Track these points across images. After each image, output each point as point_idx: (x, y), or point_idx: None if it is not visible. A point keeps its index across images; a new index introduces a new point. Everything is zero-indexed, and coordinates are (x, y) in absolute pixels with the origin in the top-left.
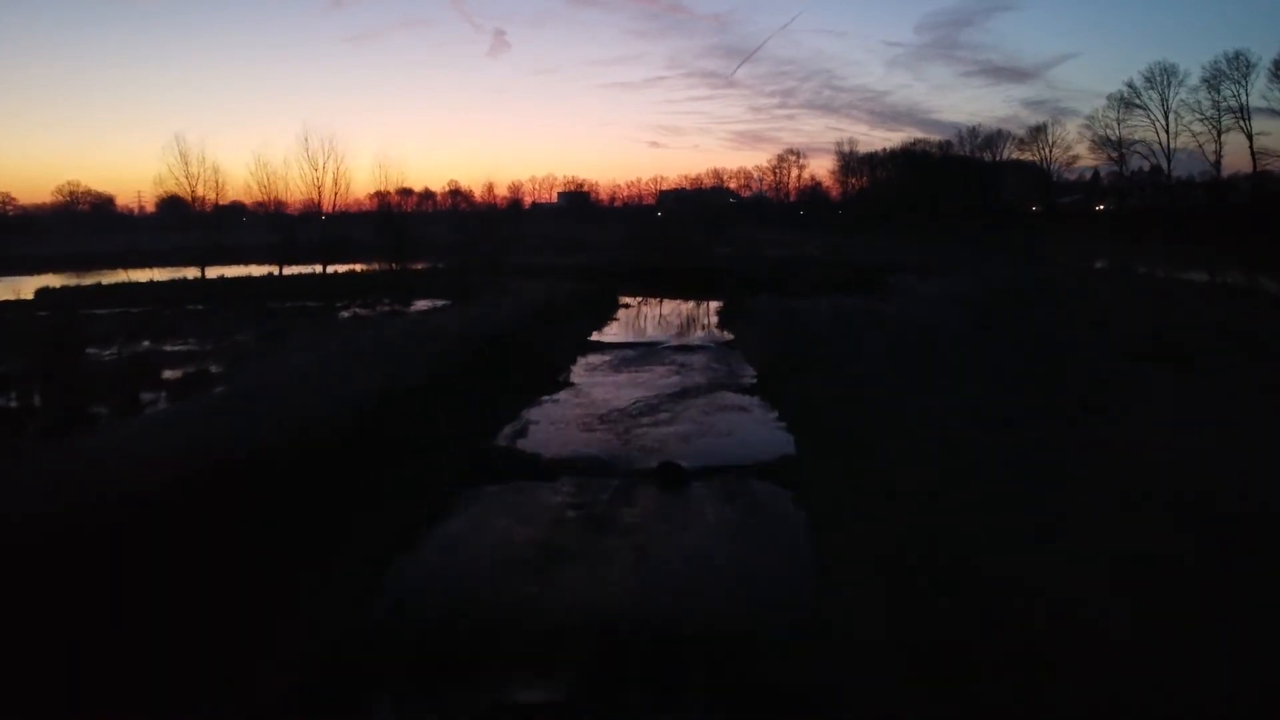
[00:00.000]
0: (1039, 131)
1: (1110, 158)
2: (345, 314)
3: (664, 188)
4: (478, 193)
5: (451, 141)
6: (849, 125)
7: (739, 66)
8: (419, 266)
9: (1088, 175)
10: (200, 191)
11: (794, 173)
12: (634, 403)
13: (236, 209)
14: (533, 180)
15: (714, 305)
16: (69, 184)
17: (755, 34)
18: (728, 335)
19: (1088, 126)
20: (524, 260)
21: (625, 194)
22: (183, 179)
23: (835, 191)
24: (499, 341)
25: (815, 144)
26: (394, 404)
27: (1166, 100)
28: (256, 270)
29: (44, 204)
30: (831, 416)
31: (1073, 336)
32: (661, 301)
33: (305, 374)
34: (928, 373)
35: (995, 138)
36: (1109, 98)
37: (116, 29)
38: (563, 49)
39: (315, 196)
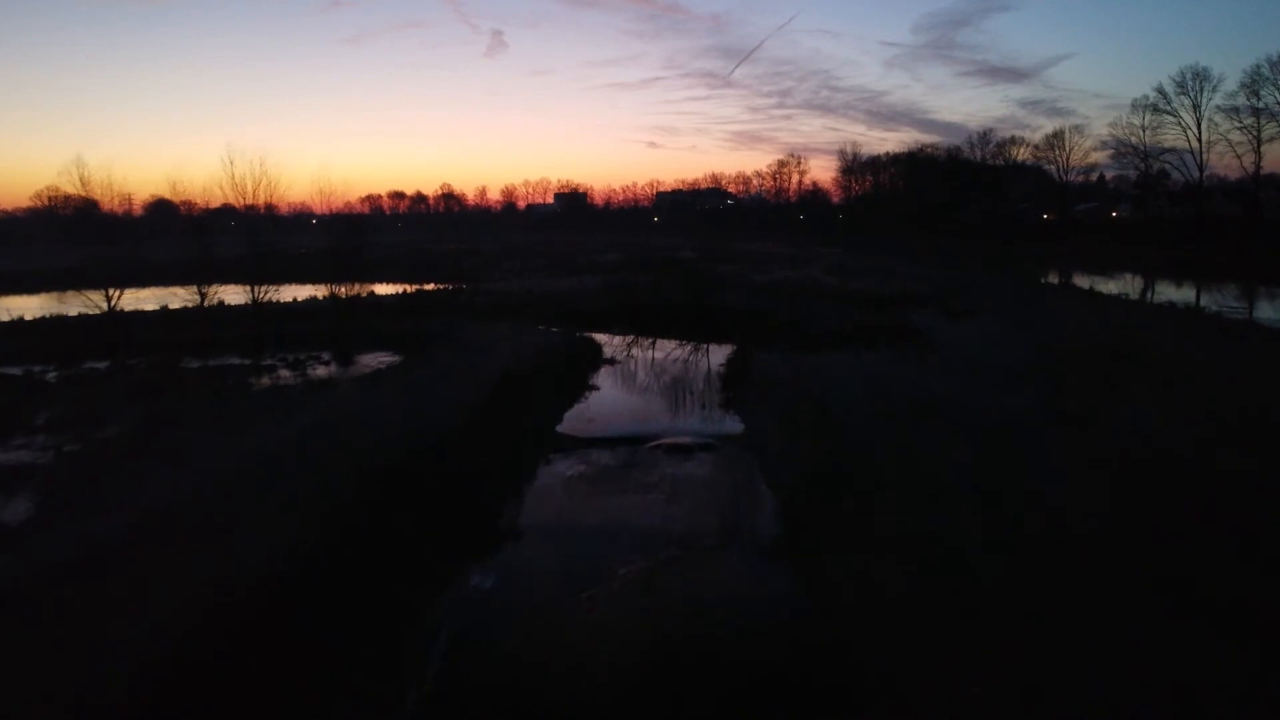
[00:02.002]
0: (1055, 138)
1: (1138, 169)
2: (265, 379)
3: (661, 189)
4: (471, 196)
5: (446, 142)
6: (846, 125)
7: (736, 67)
8: (381, 292)
9: (1094, 177)
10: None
11: (795, 178)
12: (598, 587)
13: (226, 212)
14: (526, 184)
15: (715, 358)
16: (48, 189)
17: (752, 34)
18: (735, 421)
19: (1109, 134)
20: (503, 286)
21: (621, 197)
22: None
23: (836, 194)
24: (432, 453)
25: (813, 144)
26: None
27: (1199, 106)
28: (181, 294)
29: (23, 208)
30: (929, 652)
31: (1208, 455)
32: (654, 346)
33: (123, 540)
34: (1045, 538)
35: (1008, 143)
36: (1133, 102)
37: (103, 31)
38: (559, 50)
39: (240, 200)
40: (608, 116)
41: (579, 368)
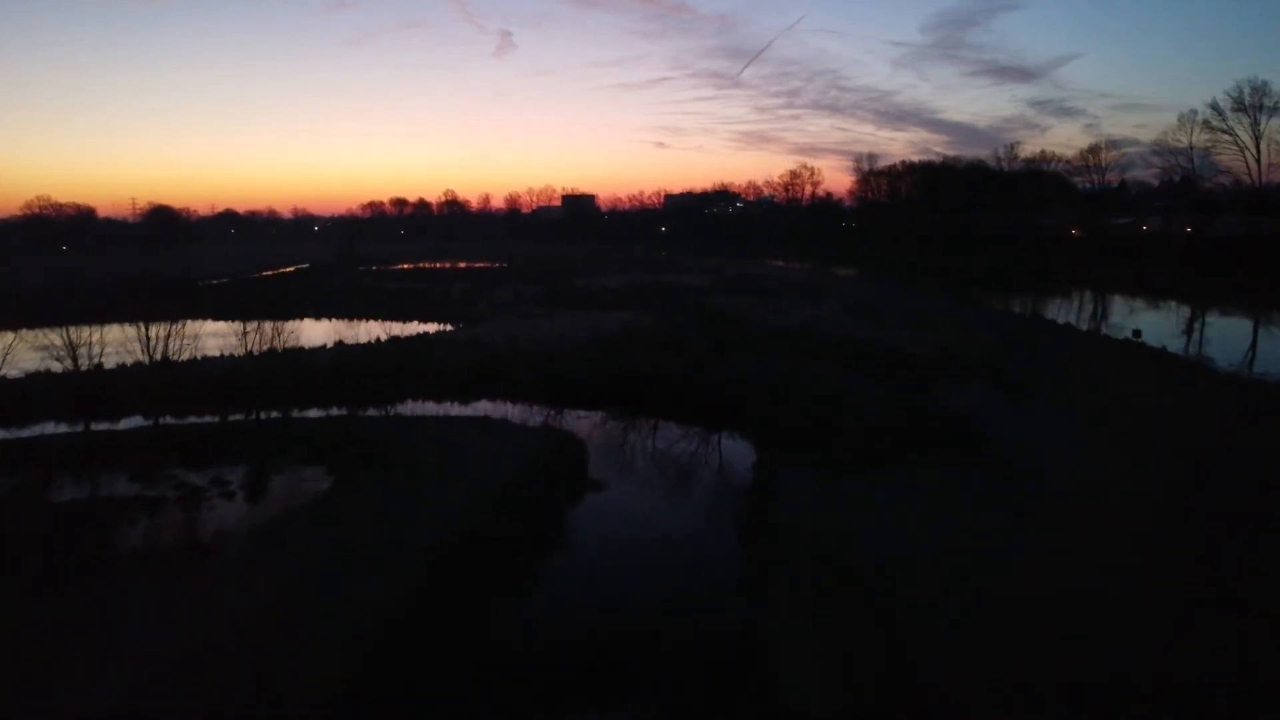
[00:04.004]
0: (1090, 154)
1: (1176, 179)
2: (143, 530)
3: (668, 192)
4: (475, 202)
5: (451, 144)
6: (854, 125)
7: (745, 67)
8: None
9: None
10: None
11: (808, 189)
12: None
13: (228, 218)
14: (530, 192)
15: (730, 474)
16: (39, 198)
17: (760, 34)
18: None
19: (1156, 149)
20: (485, 333)
21: (628, 202)
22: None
23: (848, 198)
24: None
25: (821, 144)
26: None
27: (1258, 124)
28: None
29: (14, 216)
30: None
31: None
32: (655, 431)
33: None
34: None
35: (1038, 159)
36: (1180, 117)
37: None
38: (565, 50)
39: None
40: (614, 117)
41: (552, 499)
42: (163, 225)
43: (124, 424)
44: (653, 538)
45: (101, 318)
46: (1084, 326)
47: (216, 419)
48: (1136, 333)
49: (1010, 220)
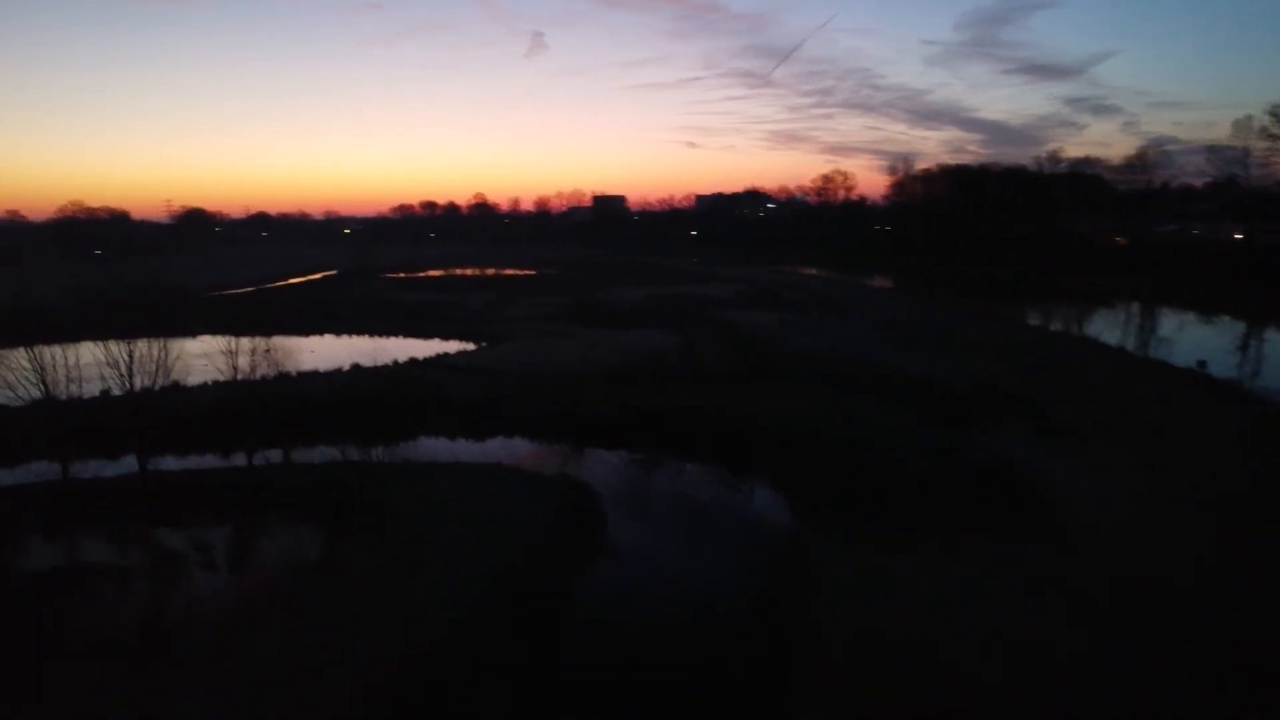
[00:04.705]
0: (1138, 160)
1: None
2: (102, 606)
3: (699, 192)
4: (504, 204)
5: (480, 145)
6: (887, 124)
7: (777, 66)
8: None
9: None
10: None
11: (840, 194)
12: None
13: (259, 220)
14: (560, 195)
15: (752, 533)
16: (72, 203)
17: (791, 33)
18: None
19: (1206, 151)
20: (498, 358)
21: (658, 203)
22: None
23: (882, 199)
24: None
25: (852, 143)
26: None
27: None
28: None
29: (49, 219)
30: None
31: None
32: (678, 475)
33: None
34: None
35: (1080, 163)
36: (1235, 123)
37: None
38: (595, 51)
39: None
40: (644, 117)
41: (560, 576)
42: (195, 227)
43: (106, 466)
44: (669, 634)
45: (81, 334)
46: (1135, 348)
47: (206, 458)
48: (1201, 364)
49: (1048, 227)
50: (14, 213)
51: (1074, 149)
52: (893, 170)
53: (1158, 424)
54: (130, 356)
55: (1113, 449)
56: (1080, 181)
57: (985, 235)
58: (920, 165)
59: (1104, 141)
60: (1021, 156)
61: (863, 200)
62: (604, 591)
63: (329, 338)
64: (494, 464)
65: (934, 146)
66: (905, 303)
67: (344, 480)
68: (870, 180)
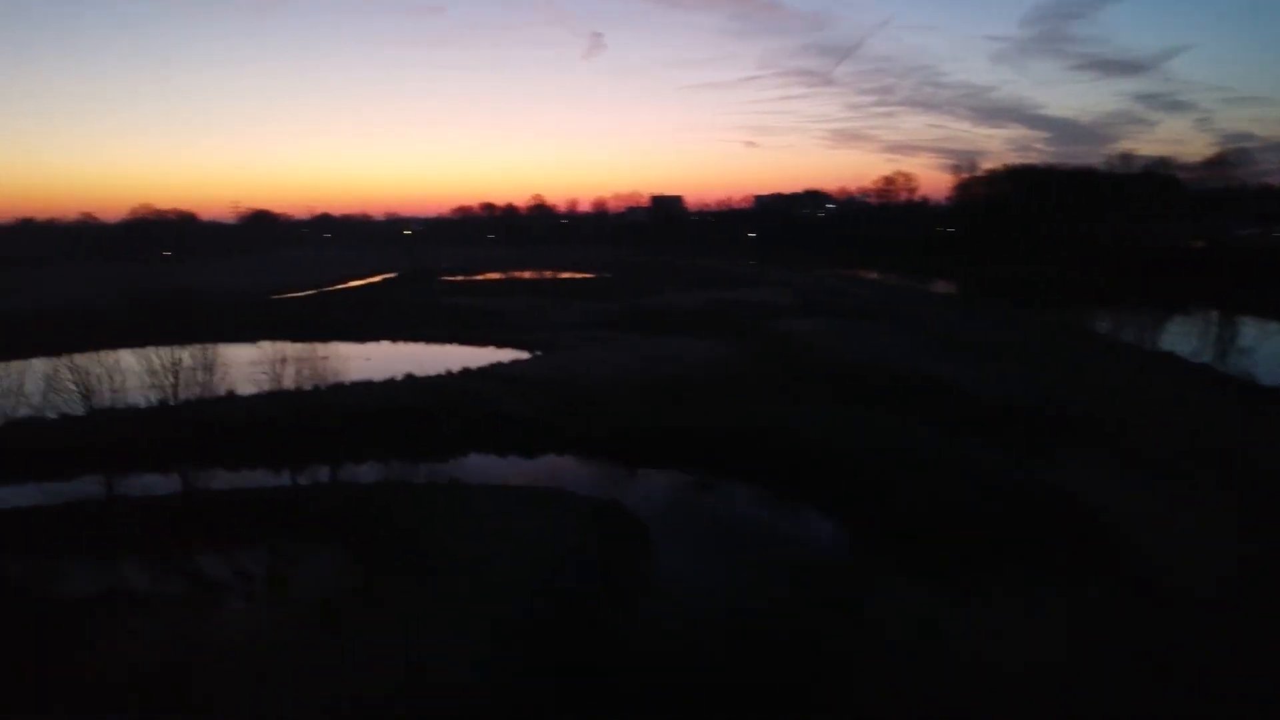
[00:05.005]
0: (1218, 159)
1: None
2: (130, 647)
3: (758, 193)
4: (562, 205)
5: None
6: (950, 122)
7: (837, 64)
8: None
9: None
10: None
11: (902, 195)
12: None
13: (322, 221)
14: (617, 197)
15: (810, 568)
16: (142, 205)
17: (851, 31)
18: None
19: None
20: (547, 370)
21: (716, 204)
22: None
23: (946, 199)
24: None
25: (914, 141)
26: None
27: None
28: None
29: (121, 220)
30: None
31: None
32: (727, 515)
33: None
34: None
35: (1157, 164)
36: None
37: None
38: (654, 51)
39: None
40: (703, 117)
41: (601, 622)
42: (261, 228)
43: (148, 481)
44: (715, 679)
45: (125, 340)
46: (1216, 362)
47: (252, 472)
48: None
49: (1120, 230)
50: (88, 215)
51: (1145, 147)
52: (956, 170)
53: (1250, 455)
54: (174, 365)
55: (1201, 485)
56: (1153, 182)
57: (1052, 239)
58: (984, 164)
59: (1177, 139)
60: (1089, 155)
61: (925, 201)
62: (646, 635)
63: (385, 344)
64: (540, 488)
65: (998, 145)
66: (967, 311)
67: (387, 504)
68: (932, 179)
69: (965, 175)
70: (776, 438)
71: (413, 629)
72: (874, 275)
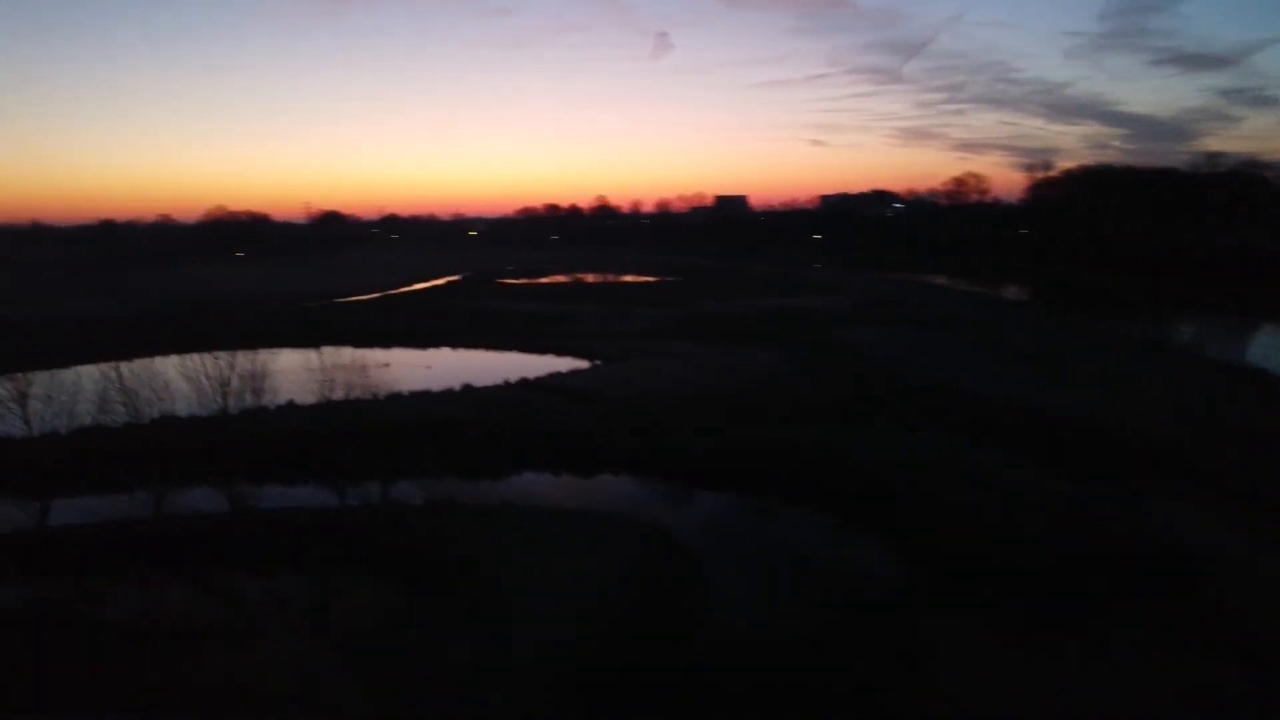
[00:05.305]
0: None
1: None
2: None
3: (824, 193)
4: (625, 206)
5: (605, 146)
6: (1023, 119)
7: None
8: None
9: None
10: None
11: (973, 197)
12: None
13: (389, 222)
14: (681, 198)
15: (868, 612)
16: (217, 207)
17: (921, 28)
18: None
19: None
20: (597, 379)
21: (781, 204)
22: None
23: (1016, 199)
24: None
25: (985, 139)
26: None
27: None
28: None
29: (198, 220)
30: None
31: None
32: (783, 544)
33: None
34: None
35: (1245, 164)
36: None
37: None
38: (720, 50)
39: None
40: (768, 116)
41: (650, 650)
42: (331, 229)
43: (193, 496)
44: None
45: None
46: None
47: (303, 488)
48: None
49: (1204, 233)
50: (166, 216)
51: (1229, 144)
52: (1029, 169)
53: None
54: (227, 373)
55: None
56: (1238, 182)
57: (1131, 242)
58: (1059, 162)
59: (1264, 135)
60: (1169, 153)
61: (996, 202)
62: (695, 678)
63: (446, 351)
64: (594, 512)
65: (1073, 142)
66: (1041, 321)
67: (435, 528)
68: (1004, 179)
69: (1039, 175)
70: (837, 462)
71: (455, 665)
72: (942, 280)
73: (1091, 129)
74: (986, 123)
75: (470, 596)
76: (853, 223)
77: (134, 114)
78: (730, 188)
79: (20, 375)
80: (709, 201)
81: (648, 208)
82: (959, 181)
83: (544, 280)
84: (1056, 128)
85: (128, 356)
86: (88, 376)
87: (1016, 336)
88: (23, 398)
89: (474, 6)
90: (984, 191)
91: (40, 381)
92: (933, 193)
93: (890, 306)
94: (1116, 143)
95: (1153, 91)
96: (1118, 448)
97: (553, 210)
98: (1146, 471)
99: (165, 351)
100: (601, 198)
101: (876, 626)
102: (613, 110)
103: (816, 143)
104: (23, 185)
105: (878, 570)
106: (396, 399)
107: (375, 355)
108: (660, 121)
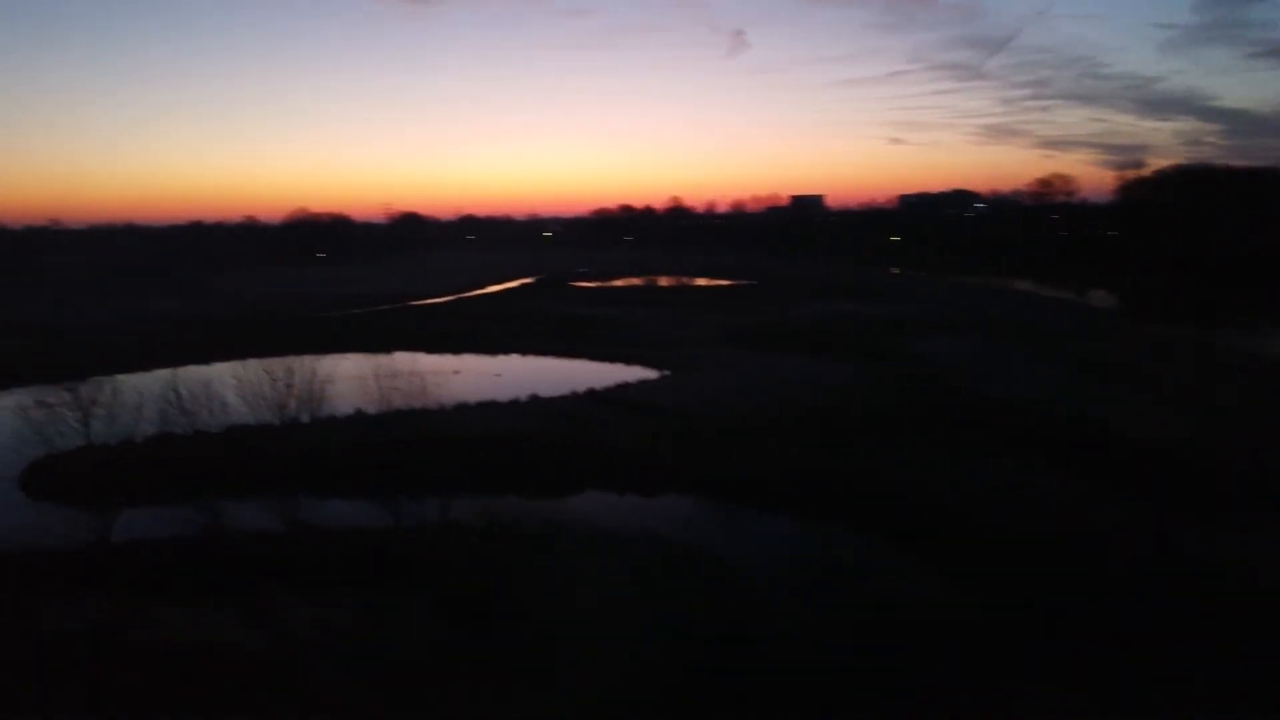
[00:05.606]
0: None
1: None
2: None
3: (902, 191)
4: (700, 207)
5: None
6: (1111, 115)
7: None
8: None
9: None
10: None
11: (1060, 199)
12: None
13: (466, 222)
14: (755, 199)
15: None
16: (300, 209)
17: (1005, 22)
18: None
19: None
20: (653, 393)
21: (858, 204)
22: None
23: (1104, 200)
24: None
25: (1072, 136)
26: None
27: None
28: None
29: (282, 221)
30: None
31: None
32: (855, 585)
33: None
34: None
35: None
36: None
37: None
38: (797, 48)
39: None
40: (845, 114)
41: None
42: (409, 229)
43: (245, 511)
44: None
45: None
46: None
47: (358, 504)
48: None
49: None
50: (250, 217)
51: None
52: (1119, 167)
53: None
54: (288, 380)
55: None
56: None
57: (1230, 246)
58: (1151, 160)
59: None
60: (1269, 149)
61: (1083, 202)
62: None
63: (515, 358)
64: (656, 538)
65: (1166, 139)
66: (1130, 331)
67: (490, 553)
68: (1091, 177)
69: (1129, 174)
70: (911, 491)
71: (501, 705)
72: (1025, 285)
73: (1186, 125)
74: (1073, 119)
75: (520, 635)
76: (932, 223)
77: (221, 115)
78: (806, 187)
79: (90, 381)
80: (784, 201)
81: (722, 208)
82: (1044, 183)
83: (616, 283)
84: (1148, 124)
85: (205, 360)
86: (160, 381)
87: (1104, 349)
88: (88, 405)
89: (552, 8)
90: (1071, 192)
91: (111, 387)
92: (1016, 192)
93: (970, 314)
94: (1212, 139)
95: (1251, 85)
96: (1211, 479)
97: (626, 211)
98: (1253, 503)
99: (242, 356)
100: (675, 198)
101: (950, 676)
102: (688, 109)
103: (895, 141)
104: (119, 186)
105: (953, 614)
106: (463, 409)
107: (446, 361)
108: (736, 120)
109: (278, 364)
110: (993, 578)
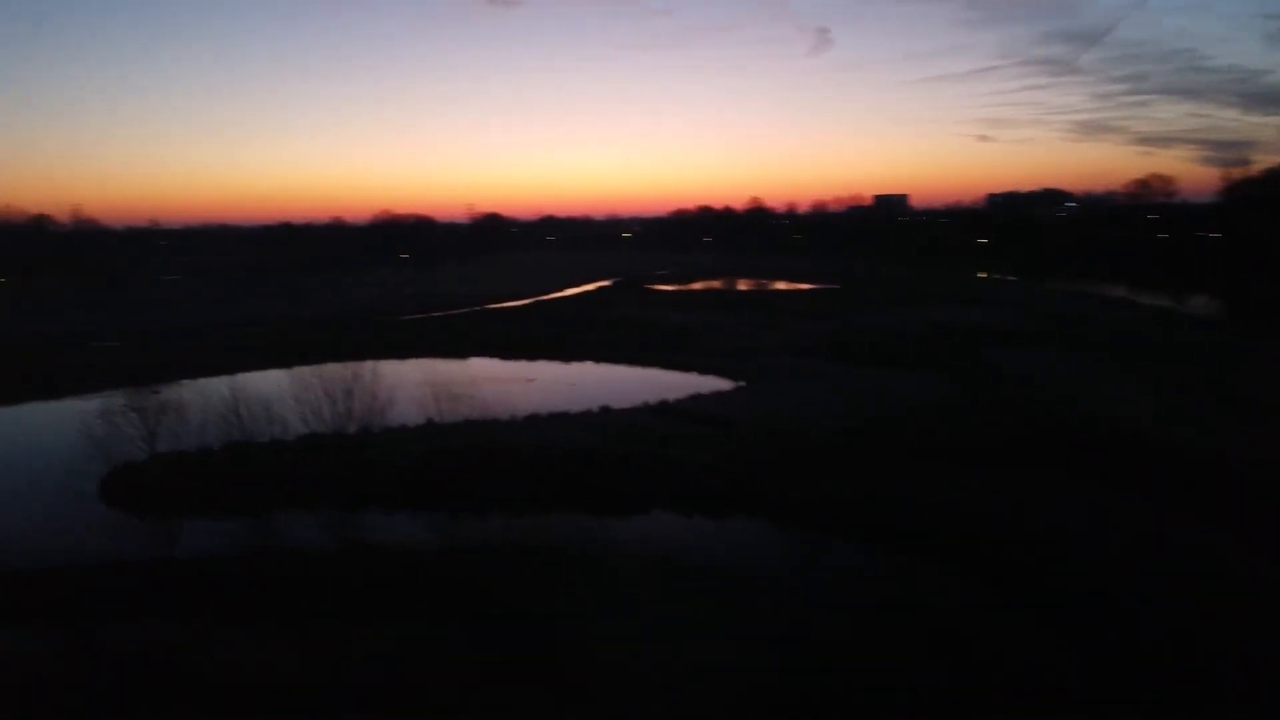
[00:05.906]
0: None
1: None
2: None
3: (990, 190)
4: (780, 208)
5: (761, 144)
6: (1214, 110)
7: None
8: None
9: None
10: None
11: (1158, 198)
12: None
13: (547, 223)
14: (837, 200)
15: None
16: (384, 210)
17: (1101, 15)
18: None
19: None
20: (728, 406)
21: (944, 203)
22: None
23: (1207, 200)
24: None
25: (1171, 132)
26: None
27: None
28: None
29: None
30: None
31: None
32: (930, 624)
33: None
34: None
35: None
36: None
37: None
38: (882, 44)
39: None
40: (932, 111)
41: None
42: (491, 230)
43: (299, 527)
44: None
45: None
46: None
47: (416, 520)
48: None
49: None
50: (338, 218)
51: None
52: (1223, 164)
53: None
54: (365, 387)
55: None
56: None
57: None
58: (1257, 157)
59: None
60: None
61: (1183, 203)
62: None
63: (589, 365)
64: (721, 571)
65: (1273, 135)
66: (1241, 346)
67: (547, 584)
68: (1192, 175)
69: (1234, 172)
70: (1000, 524)
71: None
72: (1121, 292)
73: None
74: (1173, 115)
75: (570, 678)
76: (1021, 224)
77: (308, 117)
78: (890, 187)
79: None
80: (867, 201)
81: (803, 208)
82: (1142, 184)
83: (694, 286)
84: (1254, 119)
85: (286, 365)
86: (243, 386)
87: (1208, 364)
88: (154, 412)
89: (633, 8)
90: (1170, 192)
91: (179, 392)
92: (1110, 192)
93: (1062, 324)
94: None
95: None
96: None
97: (706, 211)
98: None
99: (321, 360)
100: (756, 198)
101: None
102: (770, 108)
103: (983, 138)
104: (213, 188)
105: (1046, 649)
106: (534, 421)
107: (520, 368)
108: (818, 119)
109: (355, 370)
110: (1089, 625)
